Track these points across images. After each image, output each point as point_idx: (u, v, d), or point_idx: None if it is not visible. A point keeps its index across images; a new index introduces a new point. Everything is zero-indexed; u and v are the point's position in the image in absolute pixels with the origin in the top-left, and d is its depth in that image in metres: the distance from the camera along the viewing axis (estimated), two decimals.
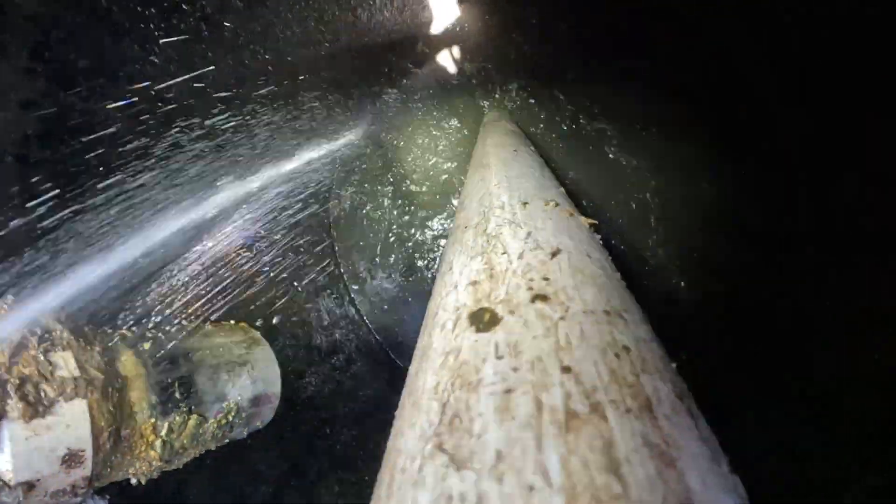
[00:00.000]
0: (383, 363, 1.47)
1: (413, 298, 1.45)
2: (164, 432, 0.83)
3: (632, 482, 0.26)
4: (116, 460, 0.76)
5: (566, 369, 0.33)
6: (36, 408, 0.64)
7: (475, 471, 0.29)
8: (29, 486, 0.62)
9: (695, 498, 0.26)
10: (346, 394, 1.33)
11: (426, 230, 1.44)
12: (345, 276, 1.46)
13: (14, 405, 0.62)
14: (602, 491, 0.26)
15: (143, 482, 0.81)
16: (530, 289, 0.41)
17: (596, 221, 0.56)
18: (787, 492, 1.00)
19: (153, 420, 0.81)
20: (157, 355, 0.87)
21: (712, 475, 0.28)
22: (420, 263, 1.45)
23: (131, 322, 0.93)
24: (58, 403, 0.66)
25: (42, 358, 0.67)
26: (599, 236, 0.55)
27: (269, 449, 1.13)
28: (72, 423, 0.67)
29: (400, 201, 1.45)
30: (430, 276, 1.44)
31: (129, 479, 0.81)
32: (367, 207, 1.45)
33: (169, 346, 0.91)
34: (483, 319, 0.40)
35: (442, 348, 0.41)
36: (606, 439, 0.28)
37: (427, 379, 0.39)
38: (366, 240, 1.45)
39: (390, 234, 1.44)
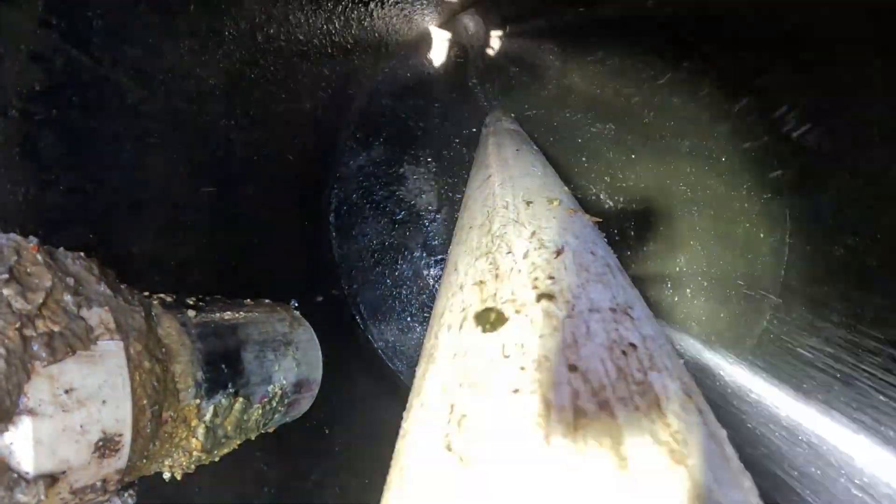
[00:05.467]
0: (380, 366, 1.47)
1: (411, 301, 1.45)
2: (208, 417, 0.69)
3: (642, 480, 0.26)
4: (154, 449, 0.61)
5: (573, 368, 0.33)
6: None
7: (484, 471, 0.29)
8: (52, 480, 0.47)
9: (706, 494, 0.26)
10: (344, 396, 1.33)
11: (427, 230, 1.44)
12: (342, 280, 1.46)
13: (40, 369, 0.45)
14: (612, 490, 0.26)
15: (179, 477, 0.68)
16: (536, 288, 0.41)
17: (600, 219, 0.56)
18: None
19: (198, 401, 0.67)
20: (203, 324, 0.73)
21: (723, 472, 0.28)
22: (419, 265, 1.45)
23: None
24: None
25: (75, 312, 0.51)
26: (604, 234, 0.55)
27: (271, 450, 1.12)
28: (110, 398, 0.51)
29: (401, 199, 1.45)
30: (429, 276, 1.44)
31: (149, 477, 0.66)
32: (367, 205, 1.45)
33: (215, 315, 0.78)
34: (489, 319, 0.40)
35: (448, 349, 0.41)
36: (615, 437, 0.28)
37: (434, 380, 0.39)
38: (364, 240, 1.45)
39: (389, 234, 1.44)
